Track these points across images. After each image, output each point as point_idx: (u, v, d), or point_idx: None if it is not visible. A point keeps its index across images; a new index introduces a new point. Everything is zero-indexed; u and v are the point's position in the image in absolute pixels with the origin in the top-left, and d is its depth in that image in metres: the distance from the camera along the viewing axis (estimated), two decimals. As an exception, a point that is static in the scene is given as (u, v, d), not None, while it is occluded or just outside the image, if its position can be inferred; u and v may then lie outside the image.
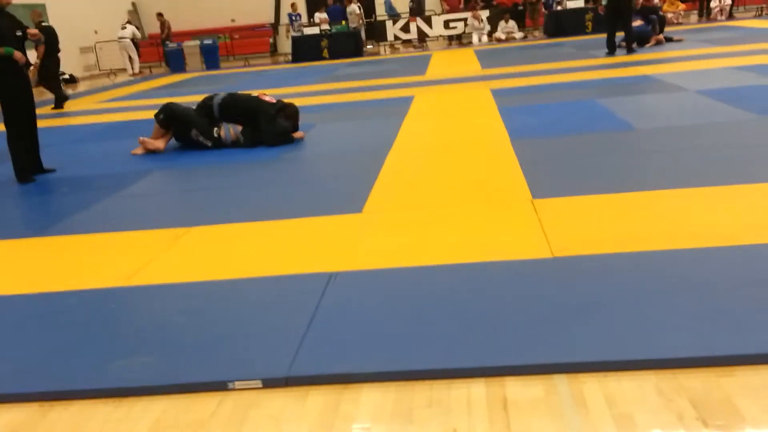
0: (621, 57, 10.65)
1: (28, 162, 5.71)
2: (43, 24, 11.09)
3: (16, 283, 3.28)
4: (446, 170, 4.75)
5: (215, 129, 6.21)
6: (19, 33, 5.61)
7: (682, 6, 17.67)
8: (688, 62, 9.32)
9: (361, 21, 18.20)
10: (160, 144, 6.32)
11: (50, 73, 11.00)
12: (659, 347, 2.14)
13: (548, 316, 2.41)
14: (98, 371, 2.32)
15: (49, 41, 10.84)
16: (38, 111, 5.98)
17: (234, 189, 4.78)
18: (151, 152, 6.27)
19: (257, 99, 6.45)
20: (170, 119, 6.31)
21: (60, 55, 11.26)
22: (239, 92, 6.76)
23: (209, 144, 6.19)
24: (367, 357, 2.25)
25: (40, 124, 6.12)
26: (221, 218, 4.01)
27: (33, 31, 5.87)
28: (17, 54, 5.46)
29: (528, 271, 2.85)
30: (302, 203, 4.21)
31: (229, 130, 6.21)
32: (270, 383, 2.16)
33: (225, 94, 6.52)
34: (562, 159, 4.74)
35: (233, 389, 2.16)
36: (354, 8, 17.87)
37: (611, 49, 11.06)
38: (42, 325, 2.75)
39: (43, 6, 17.50)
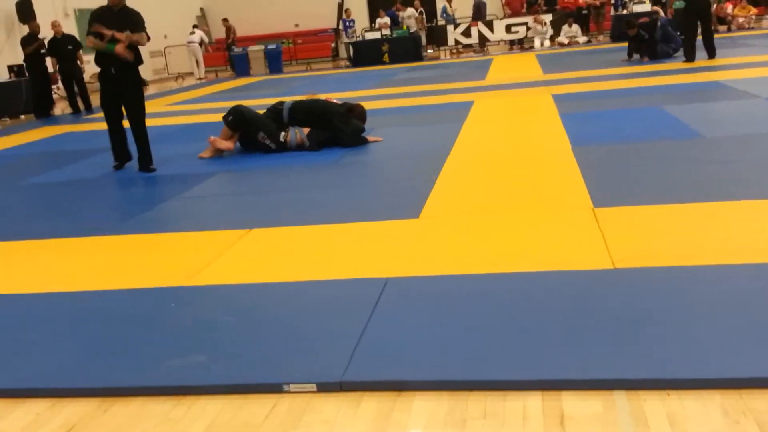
0: (689, 63, 10.31)
1: (119, 154, 6.24)
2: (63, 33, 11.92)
3: (80, 280, 3.39)
4: (505, 176, 4.70)
5: (282, 133, 6.29)
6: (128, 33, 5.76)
7: (754, 10, 17.01)
8: (760, 68, 8.96)
9: (421, 25, 18.23)
10: (230, 144, 6.41)
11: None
12: (724, 365, 2.06)
13: (608, 329, 2.35)
14: (156, 369, 2.38)
15: (77, 46, 11.71)
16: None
17: (293, 192, 4.84)
18: (218, 154, 6.39)
19: (326, 101, 6.60)
20: (239, 121, 6.38)
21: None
22: (306, 97, 6.90)
23: (274, 147, 6.27)
24: (421, 364, 2.24)
25: (102, 125, 6.38)
26: (280, 221, 4.06)
27: (122, 35, 5.78)
28: (118, 48, 5.70)
29: (588, 282, 2.79)
30: (360, 207, 4.23)
31: (296, 134, 6.28)
32: (324, 387, 2.17)
33: (294, 100, 6.65)
34: (625, 167, 4.62)
35: (288, 392, 2.18)
36: (411, 12, 17.90)
37: (690, 56, 10.31)
38: (103, 321, 2.84)
39: (115, 11, 18.15)
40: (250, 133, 6.38)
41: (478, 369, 2.18)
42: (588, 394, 2.02)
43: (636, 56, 11.44)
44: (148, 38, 6.03)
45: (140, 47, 5.97)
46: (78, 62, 12.06)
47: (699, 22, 10.25)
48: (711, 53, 10.48)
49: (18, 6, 14.10)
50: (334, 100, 6.63)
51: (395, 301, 2.76)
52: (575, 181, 4.30)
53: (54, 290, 3.28)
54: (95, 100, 12.03)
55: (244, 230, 3.92)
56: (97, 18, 5.86)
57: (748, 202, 3.58)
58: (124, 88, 5.93)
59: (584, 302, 2.59)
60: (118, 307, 2.99)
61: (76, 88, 12.09)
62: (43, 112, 11.98)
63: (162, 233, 4.09)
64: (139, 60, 6.02)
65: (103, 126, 6.29)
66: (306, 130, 6.32)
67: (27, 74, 12.17)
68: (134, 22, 5.86)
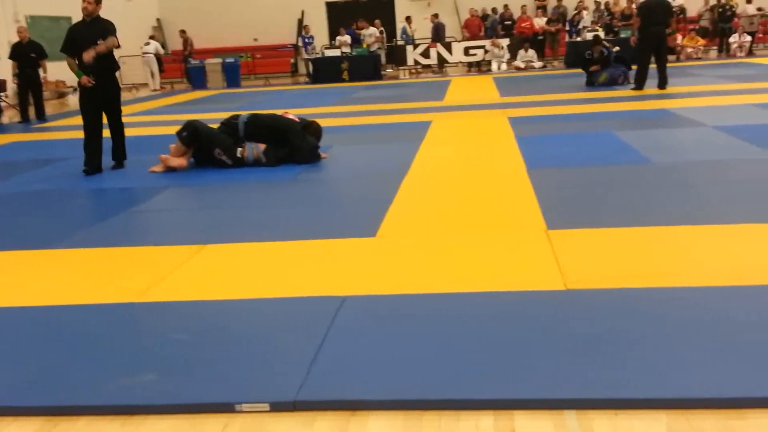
0: (638, 91, 10.63)
1: (92, 160, 6.41)
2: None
3: (26, 295, 3.30)
4: (461, 197, 4.75)
5: (239, 149, 6.22)
6: (99, 41, 6.23)
7: (702, 41, 17.67)
8: (707, 98, 9.31)
9: (381, 44, 18.37)
10: (183, 161, 6.29)
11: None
12: (671, 386, 2.12)
13: (559, 349, 2.39)
14: (105, 387, 2.32)
15: (41, 54, 11.71)
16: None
17: (248, 208, 4.80)
18: (171, 170, 6.26)
19: (282, 117, 6.54)
20: (193, 137, 6.25)
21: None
22: (262, 112, 6.82)
23: (230, 163, 6.19)
24: (376, 384, 2.24)
25: (54, 135, 6.28)
26: (235, 237, 4.02)
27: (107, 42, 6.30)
28: (83, 79, 6.24)
29: (540, 303, 2.83)
30: (316, 225, 4.22)
31: (252, 150, 6.22)
32: (278, 407, 2.15)
33: (249, 114, 6.57)
34: (577, 190, 4.73)
35: (240, 411, 2.15)
36: (373, 30, 18.05)
37: (640, 84, 10.56)
38: (50, 338, 2.77)
39: (69, 19, 17.84)
40: (205, 149, 6.27)
41: (433, 388, 2.19)
42: (539, 413, 2.05)
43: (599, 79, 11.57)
44: (118, 45, 6.47)
45: (115, 54, 6.44)
46: (41, 70, 11.81)
47: (654, 52, 10.50)
48: (662, 83, 10.65)
49: (-33, 11, 13.72)
50: (291, 116, 6.59)
51: (351, 320, 2.76)
52: (529, 203, 4.38)
53: (-2, 304, 3.18)
54: (50, 108, 11.84)
55: (198, 246, 3.87)
56: (73, 32, 6.44)
57: (697, 227, 3.70)
58: (104, 92, 6.41)
59: (536, 322, 2.63)
60: (66, 324, 2.91)
61: (31, 97, 11.79)
62: (36, 115, 11.70)
63: (113, 247, 4.00)
64: (115, 65, 6.58)
65: (54, 136, 6.21)
66: (262, 146, 6.28)
67: (18, 80, 11.89)
68: (104, 28, 6.31)
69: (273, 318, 2.85)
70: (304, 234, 4.00)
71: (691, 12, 19.33)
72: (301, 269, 3.43)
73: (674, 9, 13.91)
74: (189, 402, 2.20)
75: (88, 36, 6.26)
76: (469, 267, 3.33)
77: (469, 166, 5.81)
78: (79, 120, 6.57)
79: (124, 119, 6.81)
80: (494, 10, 19.55)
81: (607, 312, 2.70)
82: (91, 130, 6.42)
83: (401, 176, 5.41)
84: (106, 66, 6.40)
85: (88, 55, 6.03)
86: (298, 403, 2.15)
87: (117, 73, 6.65)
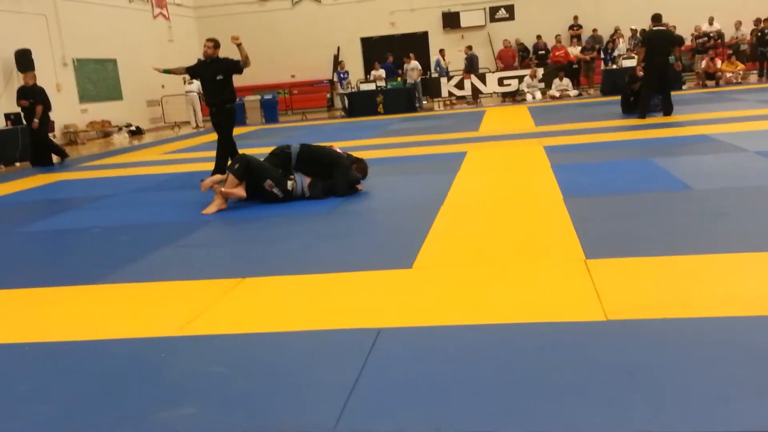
0: (678, 116, 10.51)
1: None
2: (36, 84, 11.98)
3: (68, 329, 3.36)
4: (498, 227, 4.73)
5: (288, 181, 6.19)
6: (219, 77, 7.67)
7: (741, 66, 17.43)
8: (747, 123, 9.13)
9: (419, 77, 18.55)
10: (242, 191, 6.10)
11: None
12: (713, 419, 2.05)
13: (599, 382, 2.34)
14: (145, 421, 2.34)
15: (44, 101, 11.72)
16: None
17: (286, 241, 4.85)
18: (224, 207, 6.06)
19: (333, 150, 6.57)
20: (246, 170, 6.15)
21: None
22: (314, 144, 6.88)
23: (281, 196, 6.14)
24: (413, 416, 2.22)
25: (99, 174, 6.40)
26: (272, 270, 4.06)
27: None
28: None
29: (580, 334, 2.78)
30: (353, 257, 4.24)
31: (301, 182, 6.22)
32: (315, 440, 2.15)
33: (301, 145, 6.57)
34: (616, 218, 4.66)
35: (278, 445, 2.15)
36: (415, 65, 18.25)
37: (643, 112, 10.54)
38: (90, 372, 2.81)
39: (114, 61, 18.47)
40: (256, 181, 6.16)
41: (470, 421, 2.16)
42: (581, 448, 2.00)
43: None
44: (245, 63, 7.77)
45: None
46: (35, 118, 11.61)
47: (659, 81, 10.41)
48: (667, 110, 10.54)
49: (17, 55, 14.29)
50: (338, 149, 6.66)
51: (388, 352, 2.75)
52: (567, 233, 4.33)
53: (43, 340, 3.25)
54: (96, 147, 12.10)
55: (237, 279, 3.91)
56: (198, 66, 8.05)
57: (739, 255, 3.61)
58: (217, 119, 7.88)
59: (576, 354, 2.58)
60: (107, 358, 2.96)
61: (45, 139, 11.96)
62: (41, 160, 11.93)
63: (154, 282, 4.08)
64: (232, 97, 7.95)
65: (98, 174, 6.32)
66: (308, 179, 6.27)
67: (24, 122, 12.24)
68: (224, 65, 7.74)
69: (310, 350, 2.85)
70: (340, 266, 4.02)
71: (728, 36, 19.12)
72: (338, 301, 3.44)
73: (681, 37, 13.75)
74: (227, 435, 2.21)
75: (207, 73, 7.77)
76: (507, 298, 3.30)
77: (505, 196, 5.79)
78: (121, 159, 6.72)
79: (167, 156, 7.00)
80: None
81: (649, 343, 2.63)
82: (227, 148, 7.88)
83: (437, 207, 5.41)
84: (224, 98, 7.78)
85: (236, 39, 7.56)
86: (335, 437, 2.14)
87: (228, 106, 7.87)
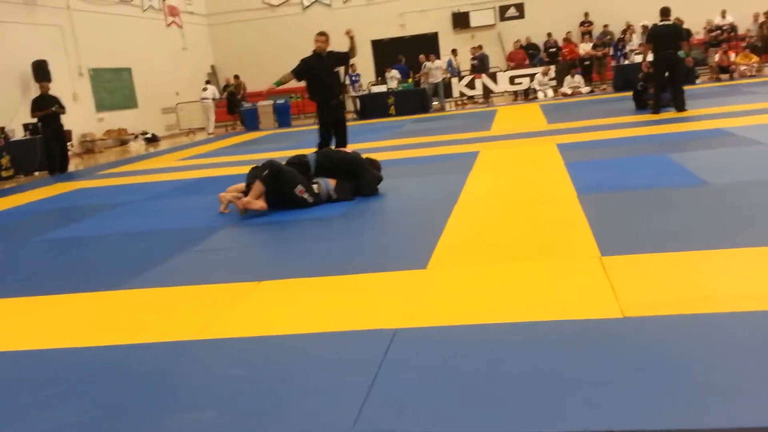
0: (692, 111, 10.43)
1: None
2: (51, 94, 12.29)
3: (88, 335, 3.41)
4: (512, 226, 4.73)
5: (314, 185, 6.14)
6: (336, 69, 8.03)
7: (755, 59, 17.26)
8: (763, 115, 9.04)
9: (445, 76, 18.40)
10: (263, 204, 5.89)
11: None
12: (733, 415, 2.04)
13: (617, 379, 2.34)
14: (164, 424, 2.37)
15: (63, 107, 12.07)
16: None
17: (301, 244, 4.88)
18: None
19: (348, 153, 6.64)
20: (276, 177, 5.91)
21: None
22: (328, 149, 6.95)
23: (311, 201, 6.02)
24: (431, 416, 2.23)
25: (116, 181, 6.45)
26: (288, 273, 4.09)
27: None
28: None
29: (597, 332, 2.78)
30: (368, 258, 4.26)
31: (326, 186, 6.20)
32: (333, 441, 2.17)
33: (317, 153, 6.62)
34: (631, 215, 4.64)
35: (297, 446, 2.17)
36: (440, 64, 18.12)
37: (656, 107, 10.50)
38: (110, 377, 2.84)
39: (129, 70, 18.64)
40: (284, 188, 5.94)
41: (487, 421, 2.17)
42: (599, 444, 2.00)
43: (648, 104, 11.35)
44: (353, 54, 8.02)
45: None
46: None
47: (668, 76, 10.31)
48: (679, 106, 10.37)
49: (34, 66, 14.48)
50: (350, 151, 6.73)
51: (404, 353, 2.76)
52: (582, 230, 4.32)
53: (62, 346, 3.29)
54: (112, 155, 12.22)
55: (253, 283, 3.95)
56: (308, 63, 8.00)
57: (759, 249, 3.58)
58: (335, 114, 8.10)
59: (593, 352, 2.58)
60: (128, 363, 3.00)
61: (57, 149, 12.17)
62: (58, 169, 12.12)
63: (171, 287, 4.12)
64: (341, 90, 8.23)
65: (115, 182, 6.37)
66: (332, 182, 6.25)
67: (41, 132, 12.39)
68: (336, 57, 7.95)
69: (327, 352, 2.87)
70: (355, 268, 4.04)
71: (742, 29, 18.97)
72: (354, 303, 3.46)
73: (690, 30, 13.58)
74: (247, 437, 2.23)
75: (323, 68, 7.91)
76: (523, 296, 3.30)
77: (518, 194, 5.78)
78: (137, 166, 6.79)
79: (183, 162, 7.05)
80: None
81: (666, 339, 2.63)
82: (324, 144, 8.03)
83: (451, 207, 5.42)
84: (338, 91, 8.06)
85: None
86: (353, 437, 2.16)
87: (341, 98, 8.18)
